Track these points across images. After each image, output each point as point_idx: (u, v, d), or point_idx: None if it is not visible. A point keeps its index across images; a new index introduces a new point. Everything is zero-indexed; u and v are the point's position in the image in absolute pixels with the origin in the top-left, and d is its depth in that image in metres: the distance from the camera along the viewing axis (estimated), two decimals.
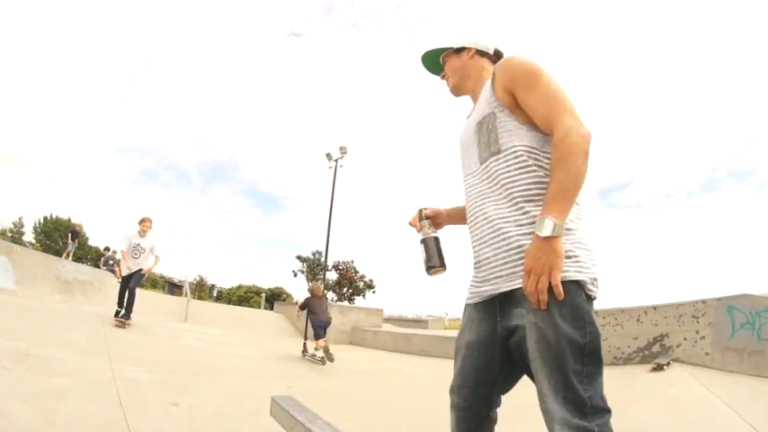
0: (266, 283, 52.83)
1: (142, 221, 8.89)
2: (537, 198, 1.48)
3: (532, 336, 1.38)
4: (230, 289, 46.65)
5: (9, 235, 50.33)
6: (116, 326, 8.01)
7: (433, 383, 6.91)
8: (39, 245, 47.66)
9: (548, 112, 1.48)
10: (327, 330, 8.51)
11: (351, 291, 35.24)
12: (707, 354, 6.36)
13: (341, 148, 24.52)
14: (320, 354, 7.91)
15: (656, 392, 5.21)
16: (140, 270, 8.68)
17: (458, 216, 1.97)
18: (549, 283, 1.34)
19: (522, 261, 1.42)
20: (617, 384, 5.96)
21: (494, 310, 1.57)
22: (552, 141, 1.46)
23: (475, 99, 1.85)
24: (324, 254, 26.11)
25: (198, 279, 44.73)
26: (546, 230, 1.33)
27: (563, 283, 1.34)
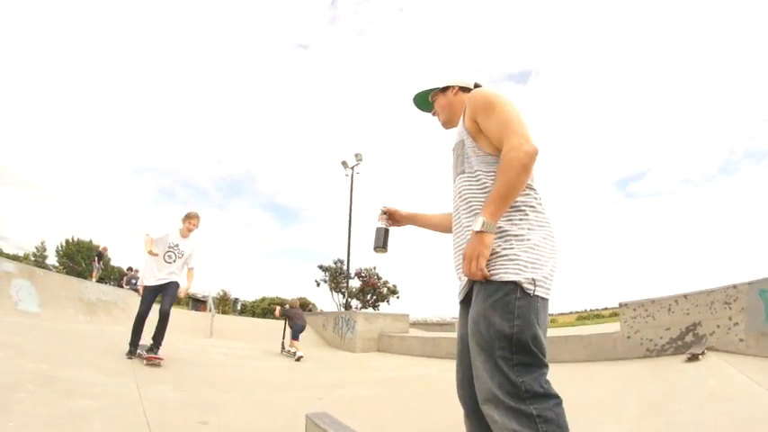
0: (289, 294, 52.96)
1: (189, 218, 6.75)
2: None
3: (471, 326, 1.68)
4: (254, 302, 46.80)
5: (32, 259, 51.21)
6: (148, 364, 6.04)
7: None
8: (62, 267, 48.31)
9: (499, 134, 1.76)
10: (301, 334, 10.54)
11: (374, 297, 34.99)
12: (741, 340, 6.19)
13: (356, 155, 24.41)
14: (293, 350, 9.70)
15: (694, 384, 4.98)
16: (174, 283, 6.60)
17: (423, 220, 2.50)
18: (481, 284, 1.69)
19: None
20: (652, 377, 5.72)
21: (467, 305, 1.81)
22: (501, 153, 1.72)
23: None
24: (346, 262, 26.06)
25: (221, 293, 44.91)
26: (477, 226, 1.66)
27: (501, 282, 1.62)
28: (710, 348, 6.37)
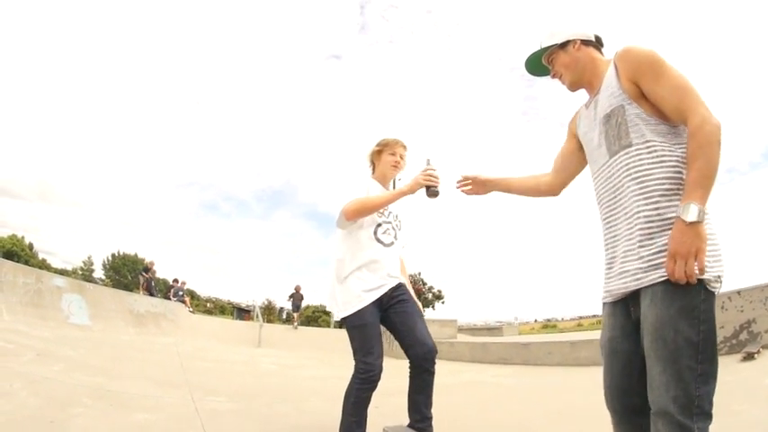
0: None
1: (389, 147, 3.11)
2: (670, 192, 1.49)
3: (649, 330, 1.45)
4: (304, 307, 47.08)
5: (80, 273, 52.73)
6: None
7: (521, 393, 6.44)
8: (109, 280, 49.61)
9: (679, 102, 1.50)
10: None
11: (420, 303, 34.86)
12: None
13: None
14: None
15: (752, 383, 4.67)
16: (405, 288, 3.04)
17: (510, 184, 2.33)
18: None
19: (656, 257, 1.46)
20: None
21: (627, 304, 1.62)
22: (688, 131, 1.48)
23: (592, 90, 1.88)
24: None
25: (266, 303, 45.33)
26: (692, 215, 1.37)
27: (689, 284, 1.39)
28: (766, 347, 6.05)
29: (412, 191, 2.74)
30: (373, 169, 3.21)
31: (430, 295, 35.16)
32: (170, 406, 4.07)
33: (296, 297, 19.97)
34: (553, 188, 2.20)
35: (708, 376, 1.38)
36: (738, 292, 6.70)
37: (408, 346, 2.73)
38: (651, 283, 1.46)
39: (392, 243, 2.98)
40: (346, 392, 2.69)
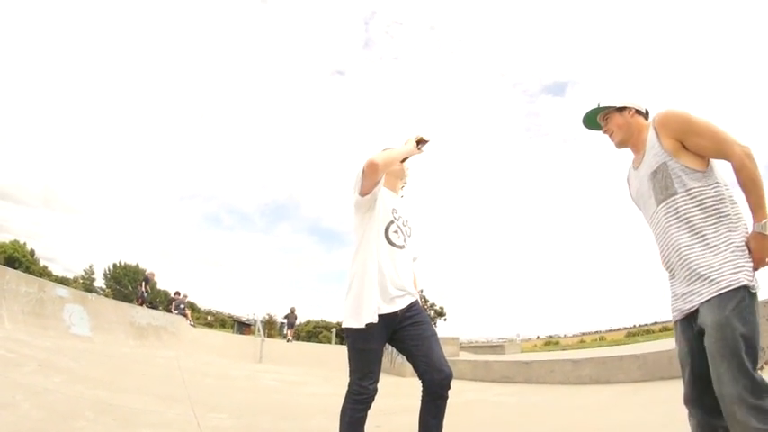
0: (335, 317, 53.09)
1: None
2: (710, 225, 1.91)
3: (710, 333, 1.77)
4: (299, 325, 46.88)
5: (81, 281, 52.59)
6: None
7: (524, 412, 6.38)
8: (109, 290, 49.47)
9: (718, 147, 1.92)
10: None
11: None
12: None
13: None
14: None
15: None
16: (419, 305, 2.82)
17: None
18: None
19: (709, 276, 1.84)
20: None
21: (691, 319, 1.95)
22: (733, 167, 1.89)
23: (636, 151, 2.30)
24: None
25: (267, 317, 45.12)
26: (766, 229, 1.80)
27: (734, 289, 1.76)
28: None
29: (413, 149, 2.93)
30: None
31: (432, 312, 34.99)
32: (173, 422, 4.01)
33: (290, 317, 23.14)
34: None
35: (755, 364, 1.70)
36: None
37: (424, 372, 2.58)
38: (709, 296, 1.81)
39: (403, 246, 2.84)
40: (341, 411, 2.60)
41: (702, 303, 1.84)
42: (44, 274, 47.49)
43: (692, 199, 1.95)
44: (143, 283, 19.35)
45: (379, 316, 2.54)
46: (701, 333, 1.86)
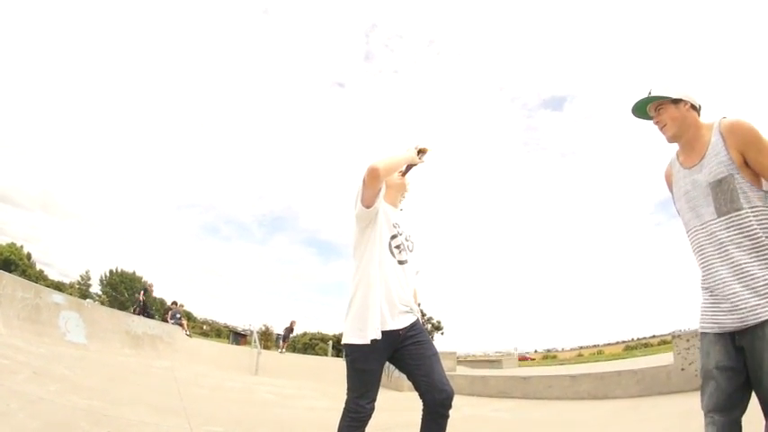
0: (331, 329, 52.92)
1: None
2: None
3: None
4: (295, 336, 46.70)
5: (77, 287, 52.37)
6: None
7: (522, 428, 6.33)
8: (105, 297, 49.26)
9: None
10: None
11: None
12: None
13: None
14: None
15: (752, 416, 4.53)
16: (421, 324, 2.80)
17: None
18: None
19: (755, 302, 1.84)
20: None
21: (731, 334, 1.95)
22: None
23: (689, 149, 2.21)
24: None
25: (263, 328, 44.94)
26: None
27: None
28: None
29: (413, 157, 2.85)
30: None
31: (429, 326, 34.82)
32: None
33: (288, 329, 25.08)
34: None
35: None
36: None
37: (425, 391, 2.53)
38: (757, 322, 1.83)
39: (406, 261, 2.80)
40: (338, 429, 2.55)
41: (764, 321, 1.83)
42: (40, 278, 47.39)
43: (755, 217, 1.94)
44: (142, 292, 19.28)
45: (383, 333, 2.48)
46: (740, 349, 1.92)
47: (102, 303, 36.12)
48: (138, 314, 16.32)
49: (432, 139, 2.81)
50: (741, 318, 1.89)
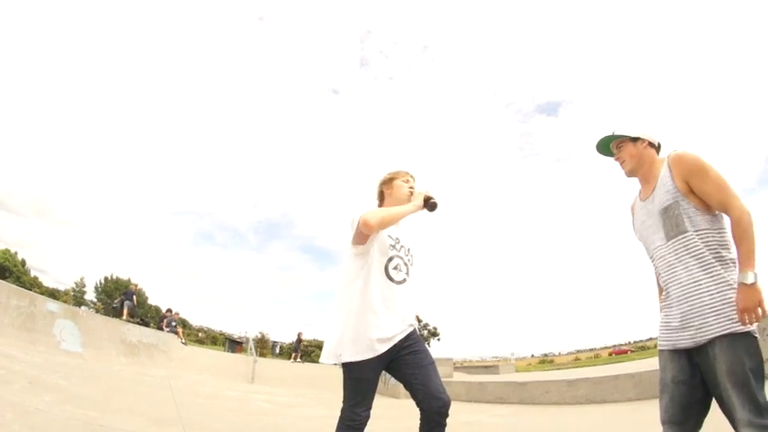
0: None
1: (399, 178, 3.00)
2: (719, 267, 2.03)
3: (723, 368, 1.92)
4: (290, 344, 46.56)
5: (72, 294, 52.08)
6: None
7: None
8: (100, 304, 49.01)
9: (722, 198, 2.05)
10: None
11: None
12: None
13: None
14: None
15: None
16: (413, 336, 2.66)
17: None
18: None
19: (719, 315, 1.97)
20: (711, 411, 5.36)
21: (686, 352, 2.10)
22: (731, 219, 2.03)
23: (645, 182, 2.40)
24: None
25: (259, 336, 44.76)
26: (751, 279, 1.90)
27: (745, 332, 1.92)
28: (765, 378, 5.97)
29: (419, 206, 2.75)
30: (381, 200, 3.05)
31: (425, 332, 34.78)
32: None
33: (297, 341, 27.24)
34: None
35: (764, 389, 1.87)
36: None
37: (422, 400, 2.50)
38: (718, 334, 1.95)
39: (404, 280, 2.74)
40: None
41: (712, 339, 1.96)
42: (35, 285, 47.09)
43: (700, 239, 2.08)
44: (131, 296, 19.10)
45: (368, 359, 2.49)
46: (696, 365, 2.06)
47: (97, 311, 35.95)
48: (128, 316, 16.28)
49: (439, 194, 2.79)
50: (691, 336, 2.04)
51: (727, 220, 2.10)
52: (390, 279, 2.69)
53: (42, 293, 22.98)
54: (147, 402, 5.91)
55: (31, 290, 14.53)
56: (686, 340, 2.07)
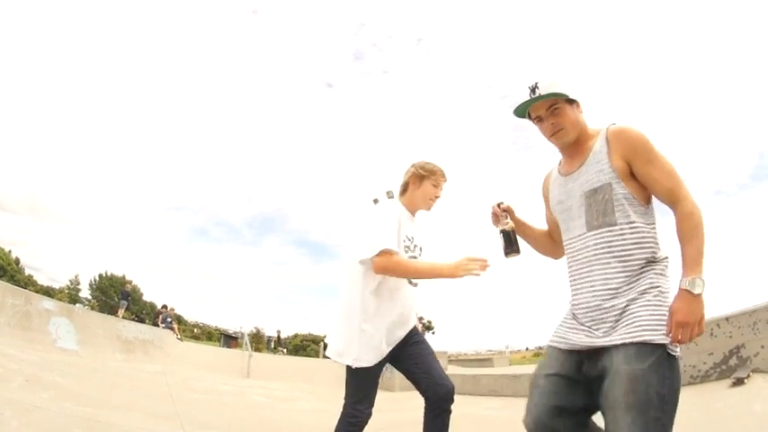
0: (323, 330, 52.83)
1: (434, 175, 2.88)
2: (646, 269, 1.67)
3: (620, 384, 1.50)
4: (286, 338, 46.71)
5: (66, 292, 51.94)
6: None
7: (515, 426, 6.40)
8: (95, 301, 48.91)
9: (672, 186, 1.66)
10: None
11: None
12: None
13: (387, 193, 24.35)
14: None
15: (742, 410, 4.72)
16: (415, 329, 2.80)
17: (527, 230, 2.27)
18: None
19: (629, 321, 1.59)
20: (697, 406, 5.47)
21: (579, 355, 1.73)
22: (679, 213, 1.64)
23: (571, 156, 1.92)
24: None
25: (255, 330, 44.79)
26: (698, 288, 1.52)
27: (655, 345, 1.53)
28: (756, 370, 6.08)
29: (452, 275, 2.37)
30: (404, 190, 2.93)
31: (420, 326, 34.82)
32: None
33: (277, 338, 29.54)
34: (557, 255, 2.23)
35: (668, 425, 1.51)
36: (727, 319, 6.80)
37: (426, 388, 2.57)
38: (623, 342, 1.56)
39: (417, 284, 2.77)
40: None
41: (617, 346, 1.57)
42: (29, 283, 46.92)
43: (631, 234, 1.68)
44: (127, 296, 19.24)
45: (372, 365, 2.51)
46: (588, 374, 1.68)
47: (92, 308, 35.90)
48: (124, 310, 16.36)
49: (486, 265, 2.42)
50: (591, 342, 1.66)
51: (657, 216, 1.76)
52: (411, 283, 2.72)
53: (37, 291, 22.95)
54: (144, 398, 5.96)
55: (25, 288, 14.55)
56: (588, 342, 1.68)
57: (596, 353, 1.65)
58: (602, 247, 1.72)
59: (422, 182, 2.84)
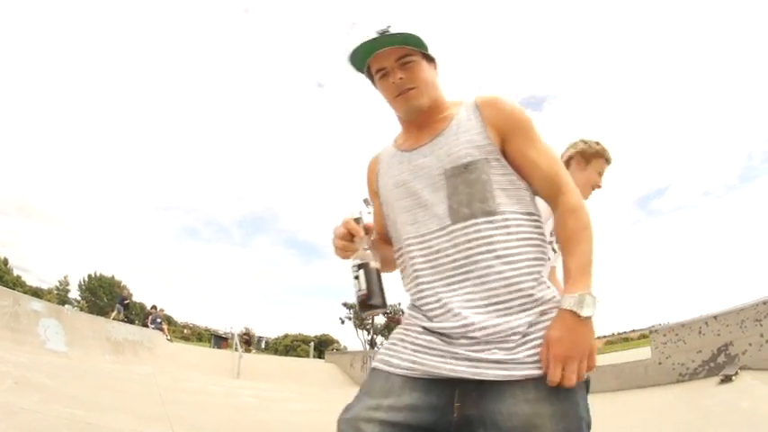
0: (312, 330, 52.73)
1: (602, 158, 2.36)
2: (536, 275, 1.18)
3: (549, 425, 1.03)
4: (276, 338, 46.54)
5: (55, 293, 51.58)
6: None
7: None
8: (84, 302, 48.61)
9: (555, 173, 1.25)
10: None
11: None
12: None
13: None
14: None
15: (730, 406, 4.82)
16: None
17: (382, 248, 1.44)
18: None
19: (527, 349, 1.10)
20: (686, 403, 5.57)
21: (449, 388, 1.12)
22: (562, 206, 1.23)
23: (419, 126, 1.39)
24: None
25: (245, 330, 44.71)
26: (587, 309, 1.08)
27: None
28: (744, 368, 6.24)
29: None
30: (567, 166, 2.17)
31: None
32: None
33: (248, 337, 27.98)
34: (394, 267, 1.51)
35: None
36: (715, 317, 6.94)
37: None
38: (524, 377, 1.07)
39: None
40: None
41: (524, 381, 1.07)
42: (17, 284, 46.52)
43: (518, 228, 1.21)
44: (123, 302, 19.16)
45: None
46: (478, 416, 1.09)
47: (82, 309, 35.67)
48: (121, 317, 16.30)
49: None
50: (478, 372, 1.09)
51: (538, 206, 1.30)
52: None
53: (26, 292, 22.79)
54: (133, 400, 5.95)
55: (14, 289, 14.43)
56: (466, 374, 1.09)
57: (482, 388, 1.10)
58: (481, 245, 1.17)
59: (588, 165, 2.29)
